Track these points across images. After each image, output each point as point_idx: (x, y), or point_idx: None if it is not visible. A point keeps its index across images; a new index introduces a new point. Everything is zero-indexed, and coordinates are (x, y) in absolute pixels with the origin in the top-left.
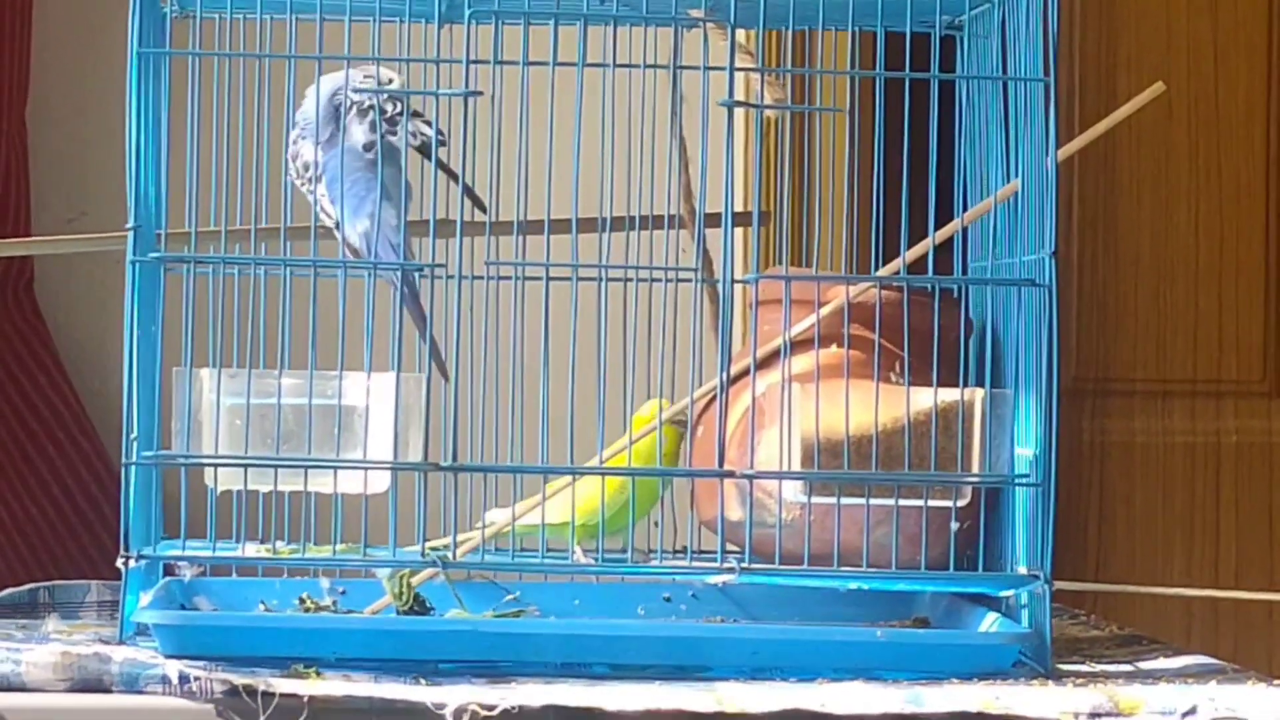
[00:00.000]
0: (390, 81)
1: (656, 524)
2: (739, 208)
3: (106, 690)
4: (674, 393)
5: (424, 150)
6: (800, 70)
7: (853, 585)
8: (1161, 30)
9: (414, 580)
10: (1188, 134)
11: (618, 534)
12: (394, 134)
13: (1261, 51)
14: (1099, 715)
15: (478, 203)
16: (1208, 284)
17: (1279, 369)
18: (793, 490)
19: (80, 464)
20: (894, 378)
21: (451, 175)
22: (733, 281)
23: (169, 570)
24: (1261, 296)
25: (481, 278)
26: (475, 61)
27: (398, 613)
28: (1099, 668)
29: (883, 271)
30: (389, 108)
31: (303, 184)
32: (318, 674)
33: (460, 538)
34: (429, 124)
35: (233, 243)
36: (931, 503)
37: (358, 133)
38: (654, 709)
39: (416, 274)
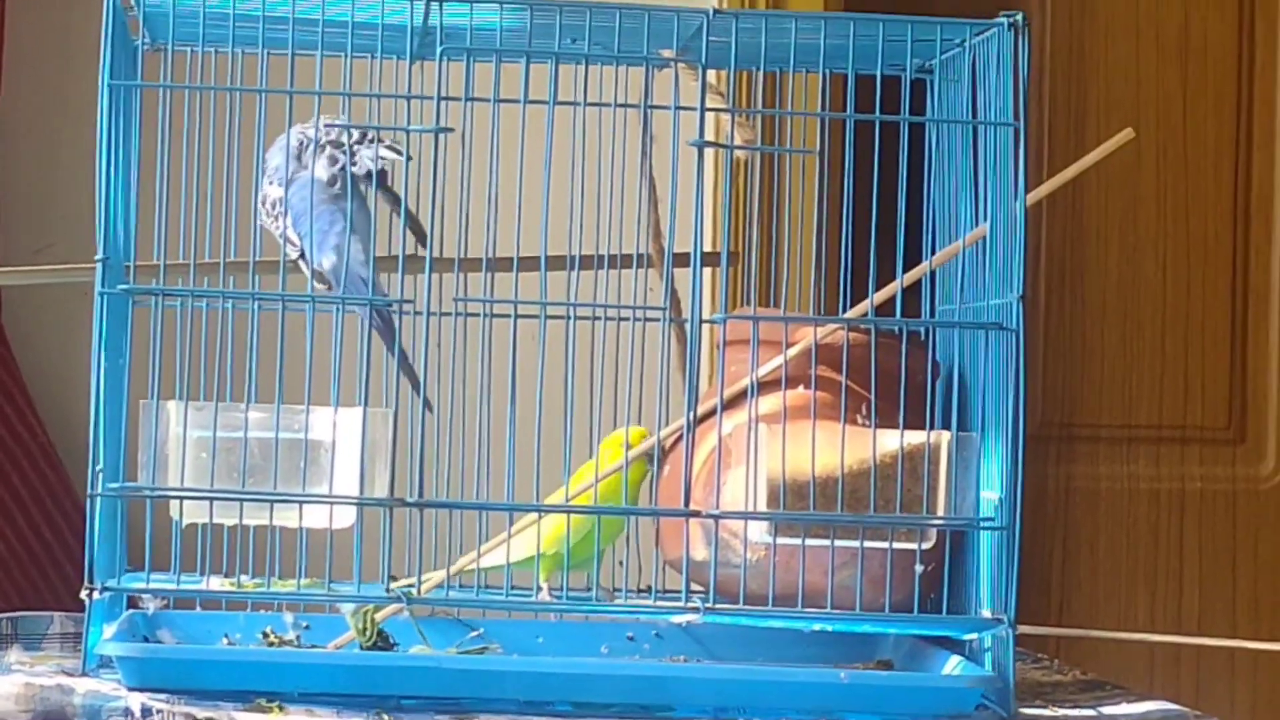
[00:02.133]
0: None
1: (621, 563)
2: (707, 247)
3: None
4: None
5: (382, 182)
6: (771, 111)
7: (816, 626)
8: (1131, 78)
9: (378, 616)
10: (1156, 181)
11: (583, 566)
12: (356, 165)
13: (1230, 100)
14: None
15: (421, 238)
16: (1174, 330)
17: (1244, 416)
18: (758, 531)
19: (45, 495)
20: (860, 419)
21: (419, 235)
22: (700, 321)
23: (133, 603)
24: (1227, 344)
25: (450, 314)
26: (446, 98)
27: (361, 648)
28: (1061, 712)
29: (850, 313)
30: (351, 138)
31: (271, 222)
32: (280, 708)
33: (428, 575)
34: (395, 150)
35: (201, 276)
36: (896, 545)
37: (320, 168)
38: None
39: (385, 309)
